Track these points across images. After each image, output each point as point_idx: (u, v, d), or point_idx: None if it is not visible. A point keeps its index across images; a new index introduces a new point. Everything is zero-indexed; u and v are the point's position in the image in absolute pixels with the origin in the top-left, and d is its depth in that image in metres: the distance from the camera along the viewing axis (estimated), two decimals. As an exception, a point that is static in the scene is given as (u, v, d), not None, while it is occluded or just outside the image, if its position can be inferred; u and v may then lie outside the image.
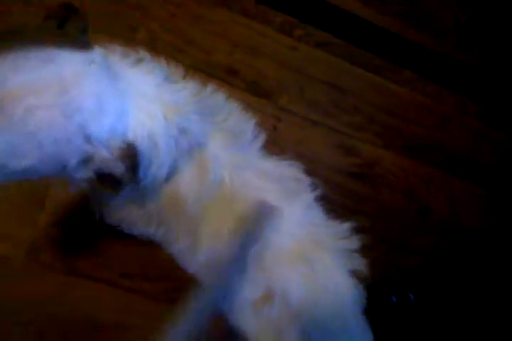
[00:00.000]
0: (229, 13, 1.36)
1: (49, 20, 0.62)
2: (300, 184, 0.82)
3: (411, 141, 1.51)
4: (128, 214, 0.82)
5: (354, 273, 0.84)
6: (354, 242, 0.83)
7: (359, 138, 1.45)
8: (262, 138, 0.83)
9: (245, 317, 0.79)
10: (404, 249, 1.45)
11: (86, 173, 0.63)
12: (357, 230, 0.86)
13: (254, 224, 0.75)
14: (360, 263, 0.84)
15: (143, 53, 0.74)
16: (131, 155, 0.63)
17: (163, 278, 1.18)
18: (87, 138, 0.59)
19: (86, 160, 0.61)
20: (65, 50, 0.57)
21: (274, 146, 1.25)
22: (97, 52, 0.62)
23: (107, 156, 0.60)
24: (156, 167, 0.68)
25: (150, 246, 1.17)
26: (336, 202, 1.38)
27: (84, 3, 1.05)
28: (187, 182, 0.74)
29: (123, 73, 0.66)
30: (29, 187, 1.13)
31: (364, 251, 0.85)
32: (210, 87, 0.79)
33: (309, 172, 0.87)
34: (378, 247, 1.42)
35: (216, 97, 0.80)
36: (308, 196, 0.81)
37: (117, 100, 0.62)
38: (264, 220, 0.75)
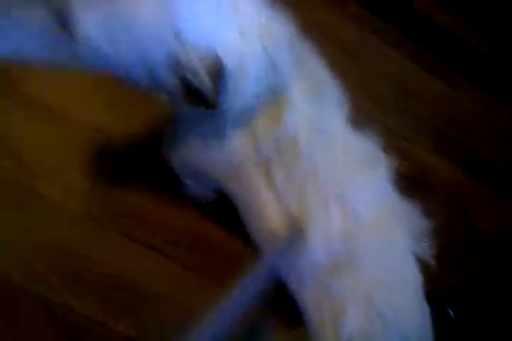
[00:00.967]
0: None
1: None
2: (376, 158, 0.78)
3: (467, 153, 1.47)
4: (199, 155, 0.78)
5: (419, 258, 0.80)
6: (425, 224, 0.79)
7: (415, 141, 1.42)
8: (348, 107, 0.78)
9: (306, 287, 0.74)
10: (446, 264, 1.40)
11: (172, 80, 0.59)
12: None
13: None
14: (426, 249, 0.80)
15: None
16: (218, 71, 0.59)
17: (210, 252, 1.14)
18: (177, 34, 0.55)
19: (173, 63, 0.57)
20: None
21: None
22: None
23: (194, 61, 0.57)
24: (239, 94, 0.64)
25: (201, 217, 1.15)
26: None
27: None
28: (261, 126, 0.70)
29: None
30: (90, 137, 1.13)
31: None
32: (301, 35, 0.72)
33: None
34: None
35: (306, 46, 0.73)
36: (384, 171, 0.78)
37: (213, 9, 0.58)
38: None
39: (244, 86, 0.64)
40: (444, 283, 1.35)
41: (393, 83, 1.42)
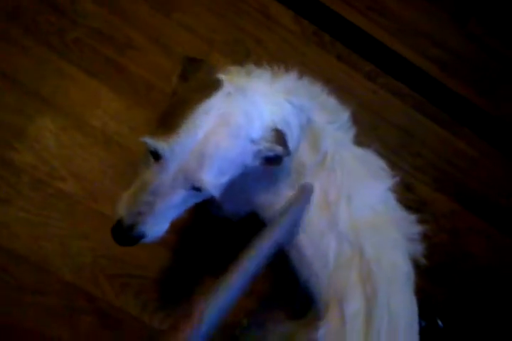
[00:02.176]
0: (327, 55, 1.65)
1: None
2: (383, 171, 1.00)
3: (464, 189, 1.70)
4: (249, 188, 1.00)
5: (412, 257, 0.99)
6: (418, 229, 1.00)
7: (418, 178, 1.64)
8: (355, 129, 1.02)
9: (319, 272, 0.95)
10: (439, 280, 1.58)
11: (259, 161, 0.84)
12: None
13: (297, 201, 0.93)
14: (418, 250, 0.99)
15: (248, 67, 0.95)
16: (281, 137, 0.83)
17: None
18: (252, 141, 0.80)
19: (257, 154, 0.82)
20: (208, 97, 0.77)
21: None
22: (227, 84, 0.80)
23: (268, 145, 0.82)
24: (293, 141, 0.87)
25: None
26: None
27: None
28: (305, 150, 0.93)
29: (247, 87, 0.84)
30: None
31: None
32: (305, 79, 0.97)
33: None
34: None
35: (312, 85, 0.98)
36: (389, 181, 0.99)
37: (256, 106, 0.82)
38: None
39: (294, 134, 0.88)
40: (436, 297, 1.55)
41: (399, 128, 1.67)
